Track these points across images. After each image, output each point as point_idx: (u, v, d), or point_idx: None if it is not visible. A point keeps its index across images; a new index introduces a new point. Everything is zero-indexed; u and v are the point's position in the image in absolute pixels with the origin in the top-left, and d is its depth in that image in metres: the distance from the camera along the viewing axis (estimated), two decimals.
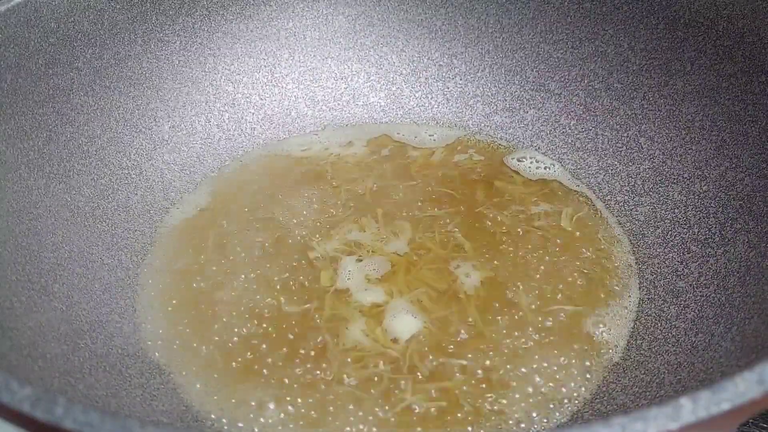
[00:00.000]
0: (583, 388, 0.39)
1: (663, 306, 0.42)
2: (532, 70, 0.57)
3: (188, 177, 0.53)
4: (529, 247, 0.47)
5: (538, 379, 0.39)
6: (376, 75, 0.60)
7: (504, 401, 0.38)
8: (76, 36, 0.47)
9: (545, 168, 0.54)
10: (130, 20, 0.51)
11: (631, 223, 0.49)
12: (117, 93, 0.50)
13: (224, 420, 0.38)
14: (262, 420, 0.38)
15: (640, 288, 0.45)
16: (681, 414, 0.22)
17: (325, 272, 0.46)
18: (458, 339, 0.41)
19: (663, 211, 0.47)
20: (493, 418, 0.38)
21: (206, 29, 0.55)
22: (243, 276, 0.46)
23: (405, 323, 0.42)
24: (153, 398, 0.38)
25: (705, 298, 0.40)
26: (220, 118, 0.56)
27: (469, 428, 0.37)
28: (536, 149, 0.55)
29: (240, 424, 0.38)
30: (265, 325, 0.43)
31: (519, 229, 0.48)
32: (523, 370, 0.40)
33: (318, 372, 0.40)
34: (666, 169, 0.49)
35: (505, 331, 0.42)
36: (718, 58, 0.46)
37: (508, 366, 0.40)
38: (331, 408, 0.38)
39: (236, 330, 0.42)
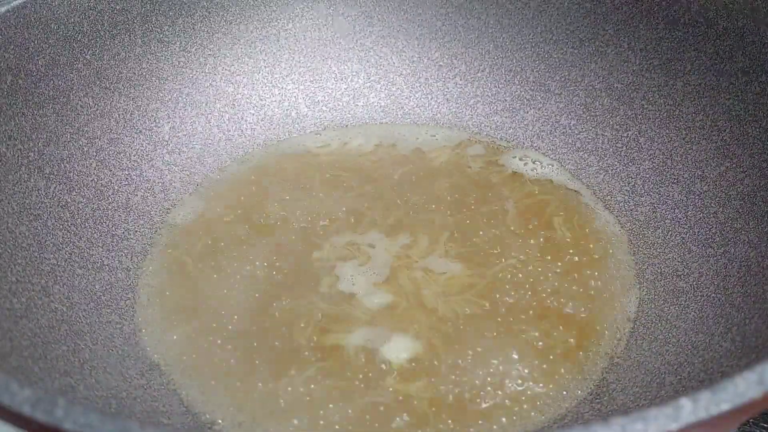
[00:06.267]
0: (582, 389, 0.39)
1: (663, 306, 0.42)
2: (532, 70, 0.57)
3: (188, 178, 0.53)
4: (529, 247, 0.47)
5: (537, 379, 0.39)
6: (376, 75, 0.60)
7: (501, 400, 0.38)
8: (75, 37, 0.47)
9: (545, 168, 0.54)
10: (130, 21, 0.51)
11: (631, 223, 0.49)
12: (117, 94, 0.50)
13: (225, 421, 0.38)
14: (262, 423, 0.38)
15: (640, 288, 0.45)
16: (681, 414, 0.22)
17: (327, 278, 0.46)
18: (457, 340, 0.41)
19: (663, 211, 0.47)
20: (490, 417, 0.38)
21: (206, 30, 0.55)
22: (244, 278, 0.46)
23: (405, 329, 0.43)
24: (153, 399, 0.38)
25: (705, 298, 0.40)
26: (220, 118, 0.56)
27: (470, 428, 0.37)
28: (536, 149, 0.55)
29: (240, 426, 0.38)
30: (266, 328, 0.43)
31: (518, 230, 0.48)
32: (521, 370, 0.40)
33: (319, 377, 0.40)
34: (666, 169, 0.49)
35: (503, 332, 0.42)
36: (718, 58, 0.46)
37: (506, 366, 0.40)
38: (332, 412, 0.38)
39: (237, 332, 0.42)
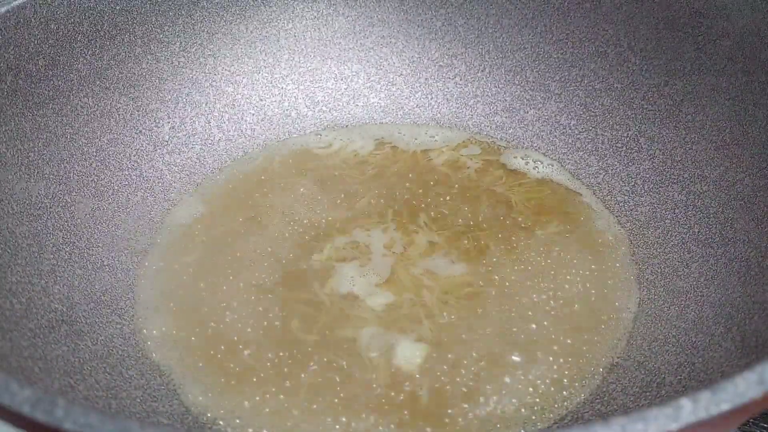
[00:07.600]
0: (582, 389, 0.39)
1: (663, 306, 0.42)
2: (532, 70, 0.57)
3: (188, 178, 0.53)
4: (528, 247, 0.47)
5: (537, 379, 0.39)
6: (376, 76, 0.60)
7: (502, 401, 0.38)
8: (75, 37, 0.47)
9: (545, 168, 0.54)
10: (129, 21, 0.51)
11: (631, 223, 0.49)
12: (117, 94, 0.50)
13: (225, 422, 0.38)
14: (262, 423, 0.38)
15: (640, 288, 0.45)
16: (681, 414, 0.22)
17: (327, 279, 0.46)
18: (457, 340, 0.41)
19: (663, 211, 0.47)
20: (491, 417, 0.38)
21: (206, 30, 0.55)
22: (244, 278, 0.46)
23: (405, 329, 0.43)
24: (153, 399, 0.38)
25: (705, 298, 0.40)
26: (220, 119, 0.56)
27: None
28: (536, 149, 0.55)
29: (240, 427, 0.38)
30: (266, 328, 0.43)
31: (518, 229, 0.48)
32: (521, 369, 0.40)
33: (320, 378, 0.40)
34: (666, 169, 0.49)
35: (502, 331, 0.42)
36: (718, 58, 0.46)
37: (506, 365, 0.40)
38: (336, 412, 0.38)
39: (238, 332, 0.42)
